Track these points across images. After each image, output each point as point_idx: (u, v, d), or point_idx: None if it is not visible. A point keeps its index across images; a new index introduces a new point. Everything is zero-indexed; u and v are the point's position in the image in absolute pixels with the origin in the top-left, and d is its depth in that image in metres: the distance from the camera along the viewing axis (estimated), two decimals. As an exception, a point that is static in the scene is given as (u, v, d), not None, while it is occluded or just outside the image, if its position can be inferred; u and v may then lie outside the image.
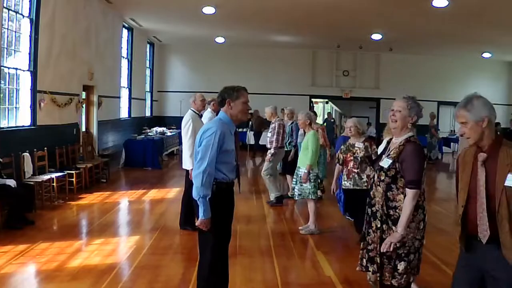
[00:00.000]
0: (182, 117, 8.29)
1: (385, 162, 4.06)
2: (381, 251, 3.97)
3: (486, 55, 22.59)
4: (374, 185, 4.16)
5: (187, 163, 7.65)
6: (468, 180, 3.31)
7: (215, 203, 4.37)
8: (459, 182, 3.43)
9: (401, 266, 3.99)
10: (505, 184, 3.09)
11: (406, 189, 3.92)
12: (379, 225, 4.06)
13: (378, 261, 4.05)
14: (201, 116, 8.20)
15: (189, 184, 7.23)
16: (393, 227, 3.97)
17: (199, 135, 4.47)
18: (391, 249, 3.90)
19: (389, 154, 4.10)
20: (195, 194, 4.33)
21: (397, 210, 3.99)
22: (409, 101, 4.17)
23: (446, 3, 12.84)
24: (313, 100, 26.18)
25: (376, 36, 18.76)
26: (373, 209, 4.16)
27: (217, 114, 4.81)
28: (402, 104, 4.15)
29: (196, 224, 4.45)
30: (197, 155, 4.41)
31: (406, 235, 3.92)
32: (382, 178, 4.05)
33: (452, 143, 22.19)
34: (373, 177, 4.23)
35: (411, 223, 3.94)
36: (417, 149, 4.02)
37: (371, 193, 4.19)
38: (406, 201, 3.90)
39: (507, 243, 3.06)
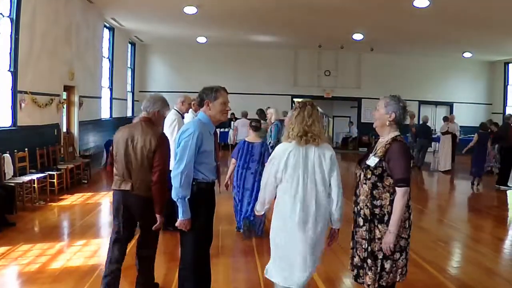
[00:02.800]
0: (164, 117, 8.23)
1: (372, 161, 4.09)
2: (385, 253, 3.99)
3: (467, 55, 22.79)
4: (360, 183, 4.17)
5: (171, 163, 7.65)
6: None
7: (195, 204, 4.38)
8: None
9: (387, 265, 4.01)
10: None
11: (396, 187, 3.94)
12: (364, 224, 4.08)
13: (366, 261, 4.08)
14: (183, 117, 8.16)
15: (171, 185, 7.23)
16: (379, 226, 4.00)
17: (178, 136, 4.46)
18: (390, 252, 3.95)
19: (375, 153, 4.14)
20: (174, 195, 4.34)
21: (382, 209, 4.01)
22: (386, 99, 4.22)
23: (427, 3, 12.96)
24: (295, 100, 26.22)
25: (358, 36, 18.87)
26: (357, 207, 4.18)
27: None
28: (380, 102, 4.25)
29: (176, 224, 4.46)
30: (176, 156, 4.39)
31: None
32: (369, 176, 4.06)
33: (432, 142, 22.33)
34: (359, 175, 4.22)
35: None
36: (403, 148, 4.05)
37: (357, 191, 4.21)
38: (397, 200, 3.92)
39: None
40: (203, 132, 4.38)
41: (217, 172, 4.66)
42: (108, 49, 18.85)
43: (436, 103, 25.36)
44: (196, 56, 23.81)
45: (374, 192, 4.03)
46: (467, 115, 23.28)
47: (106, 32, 18.34)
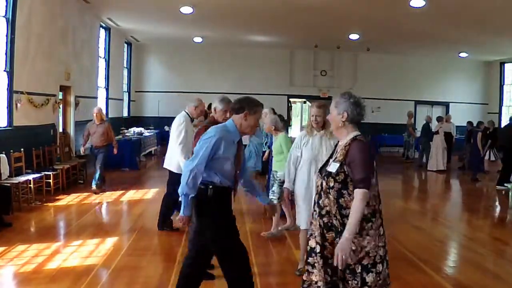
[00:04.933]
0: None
1: (333, 167, 3.75)
2: (339, 268, 3.60)
3: (463, 54, 22.85)
4: (323, 193, 3.79)
5: (172, 164, 7.63)
6: None
7: (211, 207, 4.39)
8: None
9: (369, 278, 3.64)
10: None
11: (355, 189, 3.60)
12: (336, 236, 3.70)
13: (341, 276, 3.74)
14: (192, 120, 8.11)
15: (173, 187, 7.23)
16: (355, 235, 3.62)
17: (204, 136, 4.49)
18: (348, 261, 3.57)
19: (335, 158, 3.82)
20: (179, 190, 4.36)
21: (346, 217, 3.64)
22: (336, 99, 3.93)
23: (423, 3, 12.96)
24: (291, 100, 26.25)
25: (354, 36, 18.88)
26: (324, 220, 3.77)
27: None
28: (331, 103, 3.99)
29: (177, 218, 4.55)
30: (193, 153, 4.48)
31: (368, 243, 3.63)
32: (332, 184, 3.71)
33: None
34: (321, 184, 3.85)
35: (370, 230, 3.65)
36: (363, 147, 3.70)
37: (321, 202, 3.81)
38: (355, 203, 3.56)
39: None
40: (225, 139, 4.37)
41: (234, 180, 4.59)
42: (104, 49, 18.82)
43: (432, 103, 25.40)
44: (192, 56, 23.78)
45: (340, 200, 3.67)
46: (463, 115, 23.29)
47: (102, 32, 18.33)
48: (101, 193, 11.26)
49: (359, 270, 3.65)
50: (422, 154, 18.94)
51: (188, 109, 7.89)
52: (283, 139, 8.00)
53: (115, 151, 12.20)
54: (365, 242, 3.63)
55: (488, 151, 16.71)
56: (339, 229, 3.65)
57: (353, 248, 3.59)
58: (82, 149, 12.06)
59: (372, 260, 3.65)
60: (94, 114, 11.73)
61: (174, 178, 7.35)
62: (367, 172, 3.60)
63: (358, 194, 3.54)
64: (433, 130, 18.31)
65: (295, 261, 6.61)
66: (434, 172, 17.25)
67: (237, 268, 4.53)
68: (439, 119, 18.53)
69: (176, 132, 7.54)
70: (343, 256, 3.48)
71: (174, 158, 7.59)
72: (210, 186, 4.37)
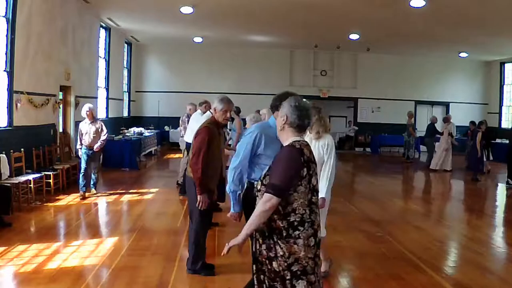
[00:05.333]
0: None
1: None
2: (222, 253, 3.59)
3: (463, 54, 22.85)
4: (258, 196, 3.68)
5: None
6: None
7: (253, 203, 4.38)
8: None
9: (299, 285, 3.48)
10: None
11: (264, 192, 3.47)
12: (263, 241, 3.58)
13: (267, 283, 3.58)
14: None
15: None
16: (279, 242, 3.48)
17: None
18: (226, 252, 3.55)
19: None
20: (227, 188, 4.54)
21: (277, 222, 3.48)
22: (284, 101, 3.79)
23: (423, 3, 12.97)
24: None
25: (354, 36, 18.88)
26: None
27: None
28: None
29: (228, 215, 4.78)
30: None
31: (299, 250, 3.45)
32: (259, 187, 3.65)
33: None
34: (255, 186, 3.81)
35: (298, 239, 3.46)
36: (287, 154, 3.50)
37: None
38: (258, 204, 3.46)
39: None
40: (265, 134, 4.45)
41: None
42: (104, 49, 18.82)
43: (432, 103, 25.40)
44: (192, 56, 23.79)
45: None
46: (463, 115, 23.28)
47: (102, 32, 18.32)
48: (91, 195, 10.88)
49: (288, 277, 3.49)
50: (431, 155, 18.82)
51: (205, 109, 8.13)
52: None
53: (96, 147, 10.79)
54: (294, 249, 3.47)
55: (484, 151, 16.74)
56: (266, 234, 3.54)
57: (280, 253, 3.48)
58: (80, 151, 11.07)
59: (302, 267, 3.48)
60: (86, 113, 10.95)
61: None
62: (281, 180, 3.40)
63: (264, 197, 3.42)
64: (440, 131, 18.32)
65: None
66: (435, 172, 17.23)
67: None
68: (445, 119, 18.50)
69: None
70: (229, 245, 3.51)
71: None
72: (254, 182, 4.36)
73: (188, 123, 11.76)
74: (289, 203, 3.44)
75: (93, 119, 10.98)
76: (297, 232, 3.47)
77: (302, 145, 3.53)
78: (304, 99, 3.70)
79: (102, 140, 10.93)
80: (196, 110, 11.65)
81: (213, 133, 5.76)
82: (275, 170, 3.47)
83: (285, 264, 3.47)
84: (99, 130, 10.95)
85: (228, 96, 5.96)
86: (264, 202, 3.39)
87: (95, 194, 11.03)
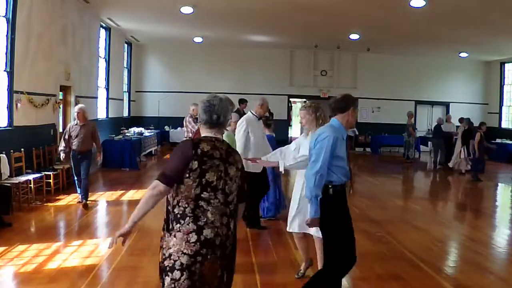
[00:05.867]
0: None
1: None
2: (108, 246, 3.53)
3: (463, 54, 22.84)
4: None
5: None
6: None
7: (332, 206, 4.62)
8: None
9: (166, 281, 3.40)
10: None
11: None
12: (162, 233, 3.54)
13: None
14: (260, 118, 8.32)
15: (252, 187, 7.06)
16: (165, 234, 3.46)
17: (314, 139, 4.67)
18: (112, 245, 3.44)
19: None
20: (307, 194, 4.56)
21: (169, 214, 3.47)
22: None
23: (423, 3, 12.96)
24: (291, 100, 26.27)
25: (354, 36, 18.88)
26: None
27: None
28: None
29: (306, 222, 4.79)
30: (310, 157, 4.67)
31: (173, 245, 3.37)
32: None
33: (429, 142, 22.37)
34: None
35: (178, 232, 3.38)
36: (180, 146, 3.55)
37: None
38: (147, 191, 3.48)
39: None
40: (338, 137, 4.59)
41: (350, 175, 4.90)
42: (104, 49, 18.82)
43: (432, 103, 25.40)
44: (192, 56, 23.78)
45: (168, 196, 3.51)
46: (463, 115, 23.22)
47: (102, 32, 18.32)
48: (84, 207, 9.88)
49: (163, 270, 3.45)
50: (443, 155, 18.72)
51: (255, 110, 8.22)
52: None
53: (98, 157, 10.94)
54: (171, 243, 3.40)
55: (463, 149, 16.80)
56: (163, 224, 3.51)
57: (164, 245, 3.45)
58: (62, 155, 10.08)
59: (171, 264, 3.38)
60: (76, 114, 10.02)
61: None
62: (168, 168, 3.43)
63: (153, 183, 3.42)
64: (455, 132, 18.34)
65: (295, 261, 6.63)
66: (437, 172, 17.24)
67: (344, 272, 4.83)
68: (460, 120, 18.43)
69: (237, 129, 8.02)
70: (116, 236, 3.40)
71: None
72: (330, 186, 4.59)
73: (192, 124, 11.78)
74: (177, 195, 3.43)
75: (85, 121, 10.03)
76: (177, 226, 3.40)
77: (205, 140, 3.53)
78: (217, 95, 3.71)
79: (99, 152, 10.62)
80: None
81: None
82: (168, 159, 3.46)
83: (163, 256, 3.43)
84: (91, 133, 10.05)
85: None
86: (152, 188, 3.39)
87: (89, 202, 10.12)
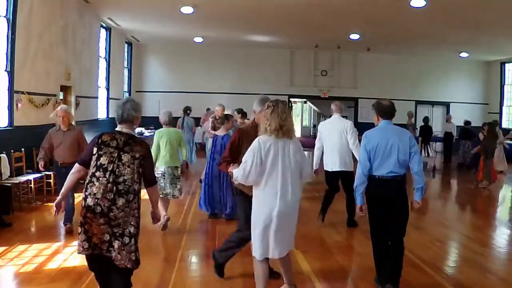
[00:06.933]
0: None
1: None
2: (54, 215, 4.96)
3: (464, 54, 22.82)
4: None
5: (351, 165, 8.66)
6: None
7: (371, 195, 5.90)
8: None
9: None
10: None
11: None
12: None
13: None
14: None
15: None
16: None
17: (410, 140, 6.00)
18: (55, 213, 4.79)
19: None
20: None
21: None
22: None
23: (424, 3, 12.97)
24: (292, 100, 26.25)
25: (354, 36, 18.88)
26: None
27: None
28: None
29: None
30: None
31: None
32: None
33: (431, 142, 22.33)
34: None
35: (84, 200, 4.45)
36: (92, 138, 4.66)
37: None
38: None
39: None
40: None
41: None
42: (105, 49, 18.83)
43: (433, 103, 25.37)
44: (192, 56, 23.77)
45: None
46: (464, 115, 23.27)
47: (102, 32, 18.33)
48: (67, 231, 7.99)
49: None
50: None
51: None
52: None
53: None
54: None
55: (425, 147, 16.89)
56: None
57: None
58: (41, 164, 8.15)
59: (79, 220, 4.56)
60: (59, 117, 8.03)
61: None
62: (83, 153, 4.73)
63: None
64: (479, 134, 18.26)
65: (294, 261, 6.61)
66: (437, 172, 17.24)
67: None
68: (483, 125, 18.17)
69: (354, 134, 8.52)
70: (54, 204, 4.75)
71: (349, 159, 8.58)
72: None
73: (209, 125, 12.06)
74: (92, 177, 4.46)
75: (69, 126, 8.13)
76: (83, 194, 4.44)
77: (108, 133, 4.64)
78: (130, 98, 5.19)
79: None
80: (224, 111, 11.75)
81: None
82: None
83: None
84: (76, 141, 8.06)
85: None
86: (74, 167, 4.62)
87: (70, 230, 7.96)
